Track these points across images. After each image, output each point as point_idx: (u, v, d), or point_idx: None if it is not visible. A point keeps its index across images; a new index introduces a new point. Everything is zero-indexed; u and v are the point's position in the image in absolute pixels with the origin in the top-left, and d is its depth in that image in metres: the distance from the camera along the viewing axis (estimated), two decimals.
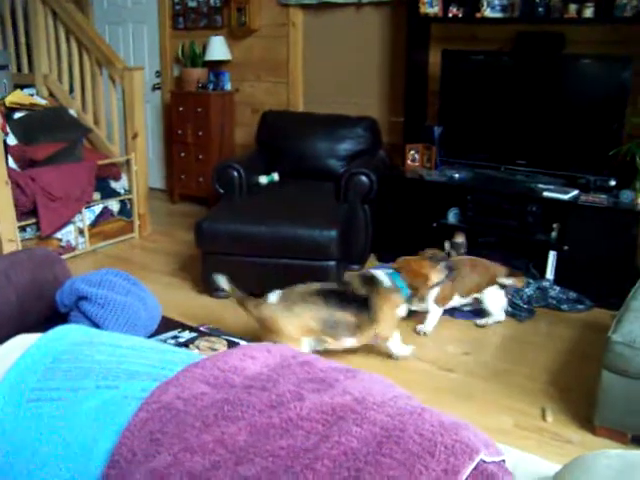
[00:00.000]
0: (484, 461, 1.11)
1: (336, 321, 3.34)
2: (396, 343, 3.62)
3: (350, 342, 3.45)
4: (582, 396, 3.25)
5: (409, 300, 3.55)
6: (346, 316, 3.35)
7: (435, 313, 4.00)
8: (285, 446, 1.12)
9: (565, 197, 4.37)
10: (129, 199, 5.62)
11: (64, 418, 1.32)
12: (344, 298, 3.37)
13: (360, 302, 3.39)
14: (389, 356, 3.64)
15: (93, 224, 5.31)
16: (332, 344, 3.41)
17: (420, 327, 4.01)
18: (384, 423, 1.15)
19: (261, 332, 3.35)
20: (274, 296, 3.37)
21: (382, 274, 3.50)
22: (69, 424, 1.31)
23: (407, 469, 1.04)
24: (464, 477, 1.06)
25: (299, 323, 3.30)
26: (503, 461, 1.15)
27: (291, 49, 6.04)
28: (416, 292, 3.54)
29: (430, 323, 4.00)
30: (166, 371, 1.40)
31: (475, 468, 1.09)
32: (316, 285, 3.44)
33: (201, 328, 2.97)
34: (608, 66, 4.41)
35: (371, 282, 3.45)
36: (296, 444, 1.12)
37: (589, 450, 2.69)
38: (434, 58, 5.17)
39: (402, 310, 3.54)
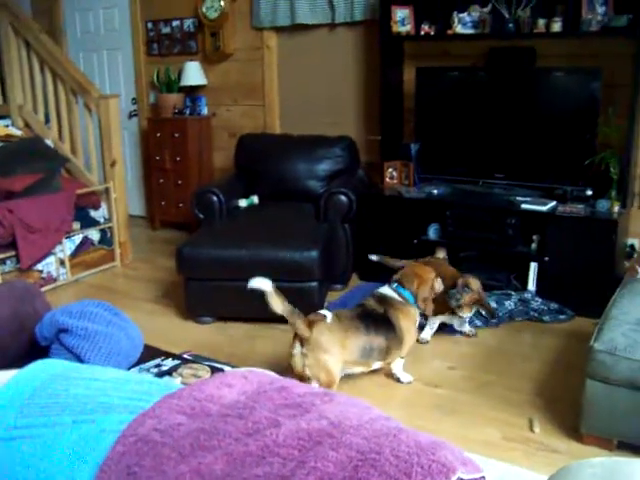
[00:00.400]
0: (462, 479, 1.11)
1: (372, 348, 3.31)
2: (400, 366, 3.61)
3: (378, 365, 3.45)
4: (568, 405, 3.26)
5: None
6: (379, 340, 3.31)
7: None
8: (262, 474, 1.11)
9: (543, 209, 4.40)
10: (109, 227, 5.59)
11: (42, 455, 1.31)
12: (374, 319, 3.33)
13: (384, 323, 3.35)
14: (382, 374, 3.65)
15: (74, 254, 5.29)
16: (360, 370, 3.42)
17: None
18: (360, 446, 1.15)
19: (309, 351, 3.13)
20: (328, 316, 3.23)
21: (390, 290, 3.48)
22: (47, 461, 1.29)
23: None
24: None
25: (344, 357, 3.23)
26: (483, 477, 1.15)
27: (266, 72, 6.07)
28: (420, 300, 3.50)
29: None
30: (143, 403, 1.39)
31: None
32: (353, 310, 3.41)
33: (184, 355, 2.96)
34: (579, 78, 4.46)
35: (384, 301, 3.43)
36: (272, 471, 1.12)
37: (577, 459, 2.70)
38: (408, 76, 5.22)
39: (417, 322, 3.56)
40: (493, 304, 4.29)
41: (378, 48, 5.11)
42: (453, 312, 4.01)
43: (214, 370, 2.66)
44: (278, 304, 3.03)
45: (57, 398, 1.43)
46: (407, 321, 3.43)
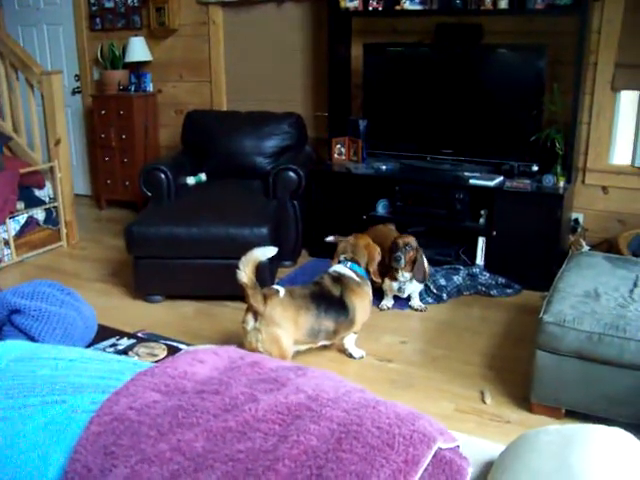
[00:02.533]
0: (441, 448, 1.14)
1: (320, 330, 3.33)
2: (353, 341, 3.63)
3: (325, 343, 3.48)
4: (517, 376, 3.34)
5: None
6: (328, 323, 3.33)
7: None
8: (244, 449, 1.12)
9: (491, 184, 4.46)
10: (54, 207, 5.48)
11: (11, 438, 1.28)
12: (327, 301, 3.34)
13: (337, 306, 3.36)
14: (335, 349, 3.68)
15: (19, 234, 5.16)
16: (307, 347, 3.45)
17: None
18: (341, 419, 1.16)
19: (262, 325, 3.14)
20: (281, 291, 3.23)
21: (347, 269, 3.49)
22: (16, 445, 1.27)
23: (368, 463, 1.06)
24: (424, 466, 1.08)
25: (294, 336, 3.25)
26: (457, 447, 1.18)
27: (212, 48, 6.00)
28: (372, 275, 3.55)
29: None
30: (114, 381, 1.38)
31: (434, 456, 1.11)
32: (307, 287, 3.40)
33: (139, 334, 2.94)
34: (525, 55, 4.52)
35: (341, 281, 3.44)
36: (254, 446, 1.12)
37: (527, 428, 2.77)
38: (356, 52, 5.21)
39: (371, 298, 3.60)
40: (442, 280, 4.35)
41: (326, 24, 5.09)
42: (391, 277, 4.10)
43: (170, 348, 2.65)
44: (249, 273, 3.01)
45: (23, 379, 1.40)
46: (362, 301, 3.47)
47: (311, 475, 1.05)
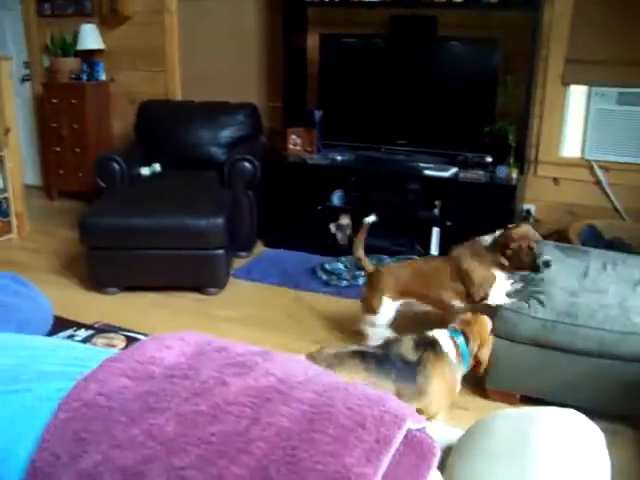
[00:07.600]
0: (410, 428, 1.16)
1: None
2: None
3: None
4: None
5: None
6: (385, 384, 2.50)
7: None
8: (216, 432, 1.12)
9: (445, 174, 4.52)
10: (4, 198, 5.37)
11: None
12: (385, 362, 2.54)
13: (404, 366, 2.56)
14: None
15: None
16: None
17: None
18: (312, 400, 1.18)
19: None
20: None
21: (446, 338, 2.66)
22: None
23: (342, 443, 1.08)
24: (396, 445, 1.10)
25: None
26: (425, 427, 1.20)
27: (167, 36, 5.93)
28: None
29: None
30: (80, 368, 1.36)
31: (405, 436, 1.14)
32: (351, 347, 2.63)
33: (95, 325, 2.92)
34: (479, 48, 4.59)
35: (430, 347, 2.63)
36: (227, 429, 1.13)
37: (483, 414, 2.82)
38: (312, 42, 5.22)
39: (458, 386, 2.75)
40: None
41: (282, 13, 5.08)
42: None
43: (129, 339, 2.63)
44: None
45: None
46: (438, 380, 2.65)
47: (285, 456, 1.06)
